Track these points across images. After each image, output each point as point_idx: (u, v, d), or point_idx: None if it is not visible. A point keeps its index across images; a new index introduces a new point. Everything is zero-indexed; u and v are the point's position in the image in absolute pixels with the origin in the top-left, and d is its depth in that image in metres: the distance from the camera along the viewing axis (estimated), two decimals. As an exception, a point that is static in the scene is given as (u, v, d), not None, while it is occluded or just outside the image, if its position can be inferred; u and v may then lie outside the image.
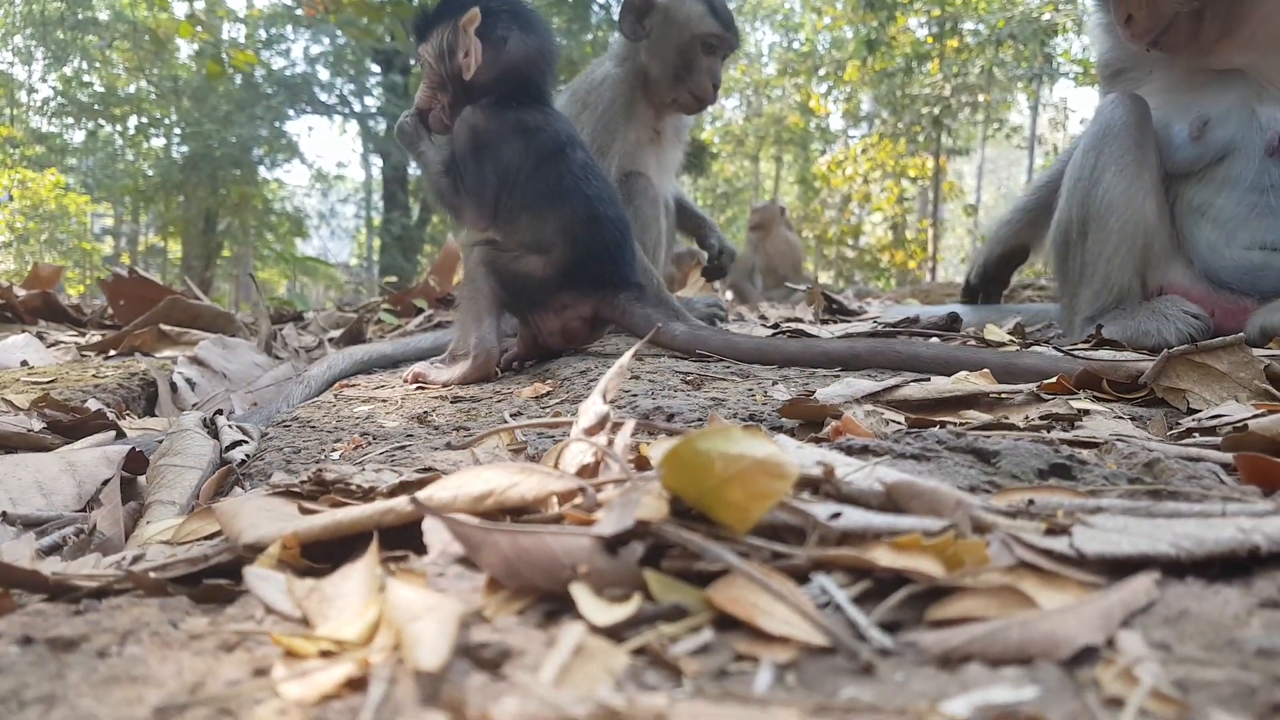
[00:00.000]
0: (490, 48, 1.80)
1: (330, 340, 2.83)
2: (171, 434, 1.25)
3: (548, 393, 1.48)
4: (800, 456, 0.63)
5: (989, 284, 2.43)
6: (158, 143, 14.69)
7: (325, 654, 0.51)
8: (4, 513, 1.03)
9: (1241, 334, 1.19)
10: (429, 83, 1.89)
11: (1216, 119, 1.81)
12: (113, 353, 2.42)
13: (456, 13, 1.80)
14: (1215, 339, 1.17)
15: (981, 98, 13.50)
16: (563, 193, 1.74)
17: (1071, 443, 0.87)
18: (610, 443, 0.70)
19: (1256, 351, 1.18)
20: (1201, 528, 0.55)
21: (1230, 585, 0.51)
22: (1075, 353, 1.47)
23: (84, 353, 2.44)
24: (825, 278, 15.09)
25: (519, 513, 0.66)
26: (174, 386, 1.96)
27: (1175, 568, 0.53)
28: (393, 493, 0.79)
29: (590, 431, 0.72)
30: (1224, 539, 0.53)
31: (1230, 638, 0.45)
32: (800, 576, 0.53)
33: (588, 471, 0.68)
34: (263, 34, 13.96)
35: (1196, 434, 0.98)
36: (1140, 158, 1.81)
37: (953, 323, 2.10)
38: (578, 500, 0.65)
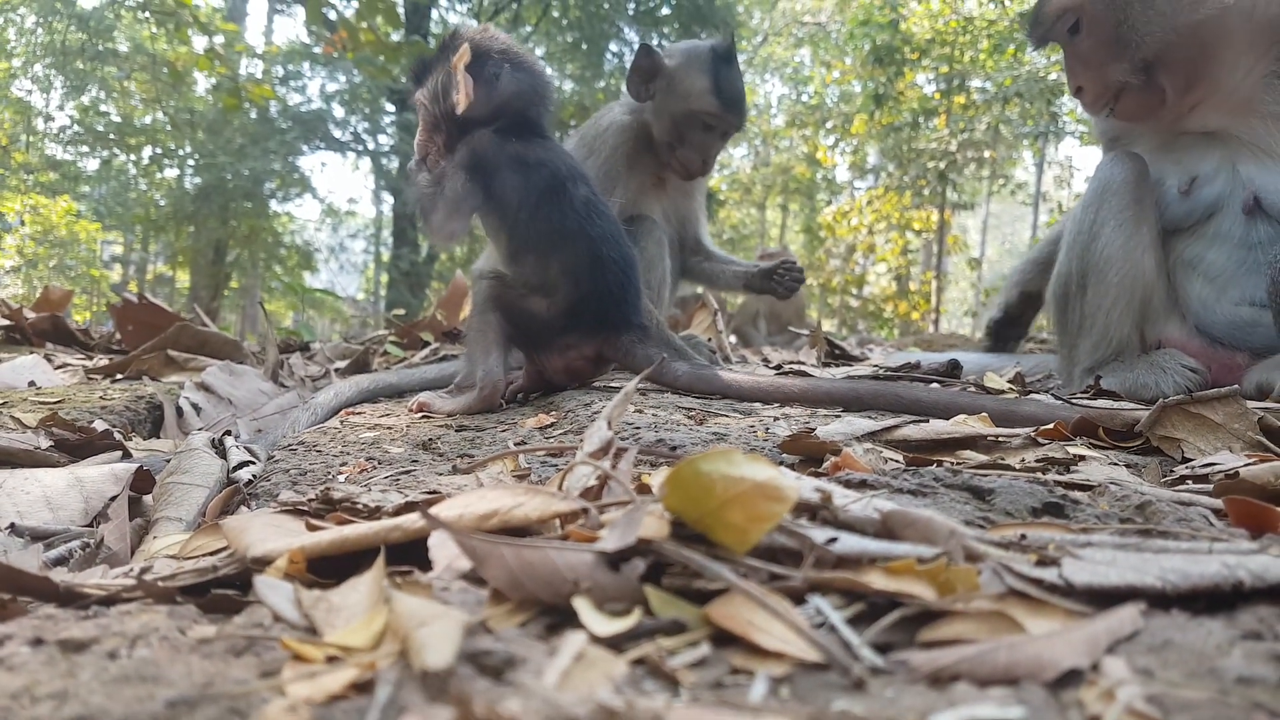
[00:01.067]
0: (482, 85, 1.84)
1: (336, 370, 2.85)
2: (180, 453, 1.27)
3: (552, 424, 1.50)
4: (800, 484, 0.65)
5: (1012, 324, 2.49)
6: (171, 173, 14.86)
7: (332, 659, 0.52)
8: (12, 525, 1.04)
9: (1236, 386, 1.21)
10: (425, 126, 1.93)
11: (1203, 177, 1.86)
12: (120, 376, 2.44)
13: (450, 55, 1.85)
14: (1210, 390, 1.19)
15: (987, 154, 13.66)
16: (566, 233, 1.76)
17: (1066, 484, 0.89)
18: (614, 467, 0.72)
19: (1250, 404, 1.20)
20: (1188, 563, 0.57)
21: (1214, 618, 0.53)
22: (1074, 402, 1.49)
23: (91, 375, 2.46)
24: (829, 326, 15.14)
25: (523, 532, 0.67)
26: (180, 411, 1.97)
27: (1161, 600, 0.54)
28: (398, 512, 0.81)
29: (595, 456, 0.74)
30: (1209, 573, 0.55)
31: (1212, 666, 0.47)
32: (797, 597, 0.54)
33: (591, 494, 0.70)
34: (280, 70, 14.18)
35: (1190, 481, 1.00)
36: (1138, 214, 1.85)
37: (953, 370, 2.12)
38: (581, 521, 0.66)
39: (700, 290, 3.03)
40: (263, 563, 0.69)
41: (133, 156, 15.10)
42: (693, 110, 2.36)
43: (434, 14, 13.70)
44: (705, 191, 2.77)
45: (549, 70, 1.99)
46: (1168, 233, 1.89)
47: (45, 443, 1.47)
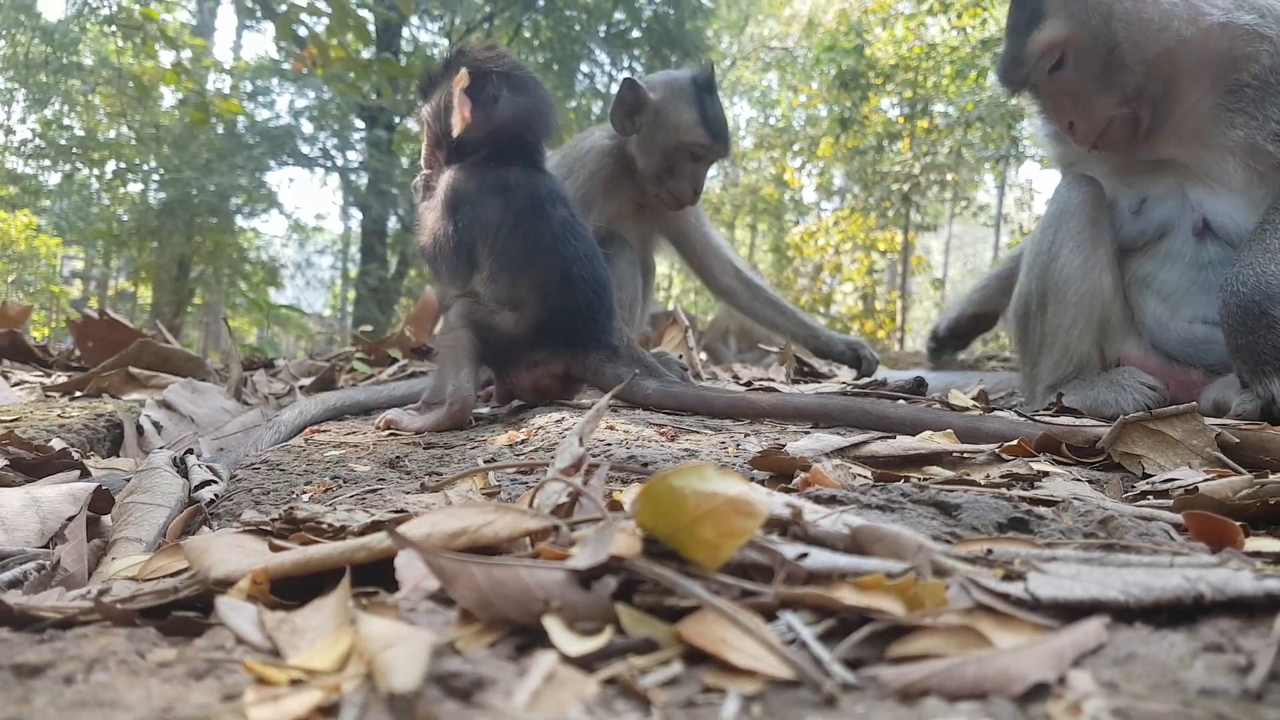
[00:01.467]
0: (480, 107, 1.84)
1: (301, 388, 2.81)
2: (140, 472, 1.24)
3: (522, 440, 1.49)
4: (771, 500, 0.65)
5: (956, 339, 2.52)
6: (135, 188, 14.67)
7: (296, 682, 0.51)
8: (-35, 546, 1.01)
9: (1195, 404, 1.23)
10: (428, 142, 1.95)
11: (1154, 198, 1.90)
12: (79, 394, 2.40)
13: (453, 73, 1.86)
14: (1169, 407, 1.21)
15: (950, 176, 13.90)
16: (538, 251, 1.77)
17: (1030, 500, 0.90)
18: (586, 483, 0.71)
19: (1208, 420, 1.22)
20: (1150, 576, 0.58)
21: (1176, 630, 0.53)
22: (1036, 419, 1.51)
23: (49, 393, 2.41)
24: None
25: (493, 551, 0.67)
26: (140, 429, 1.94)
27: (1125, 613, 0.55)
28: (364, 531, 0.80)
29: (566, 472, 0.74)
30: (1171, 587, 0.56)
31: (1175, 678, 0.48)
32: (768, 613, 0.54)
33: (563, 511, 0.70)
34: (248, 85, 14.09)
35: (1150, 496, 1.02)
36: (1095, 235, 1.89)
37: (919, 387, 2.15)
38: (552, 538, 0.66)
39: (671, 307, 3.04)
40: (225, 584, 0.67)
41: (96, 171, 14.89)
42: (682, 142, 2.37)
43: (405, 31, 13.70)
44: (705, 216, 2.74)
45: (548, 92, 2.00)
46: (1123, 252, 1.93)
47: (1, 462, 1.43)
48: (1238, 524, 0.80)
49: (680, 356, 2.72)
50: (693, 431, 1.47)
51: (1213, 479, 0.99)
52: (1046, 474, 1.08)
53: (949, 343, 2.55)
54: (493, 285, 1.79)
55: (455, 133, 1.84)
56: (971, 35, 12.60)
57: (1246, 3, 1.79)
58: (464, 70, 1.83)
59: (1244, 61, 1.77)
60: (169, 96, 13.33)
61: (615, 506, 0.74)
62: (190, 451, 1.47)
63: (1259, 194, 1.78)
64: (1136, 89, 1.86)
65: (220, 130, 12.31)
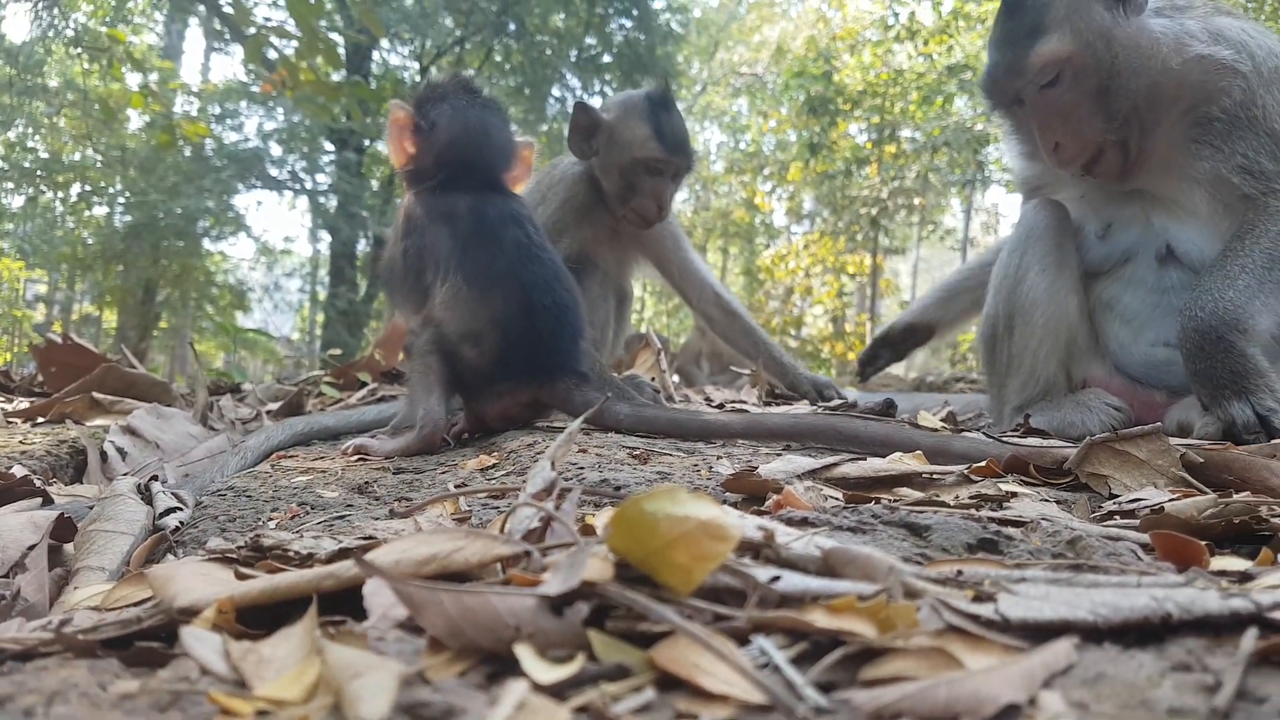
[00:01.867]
0: (422, 136, 1.86)
1: (269, 413, 2.78)
2: (104, 499, 1.22)
3: (493, 465, 1.48)
4: (743, 523, 0.65)
5: (886, 346, 2.49)
6: (100, 211, 14.49)
7: (262, 713, 0.51)
8: (-80, 577, 0.99)
9: (1159, 424, 1.25)
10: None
11: (1119, 224, 1.93)
12: (41, 419, 2.35)
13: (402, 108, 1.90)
14: (1135, 428, 1.23)
15: (917, 201, 14.11)
16: (493, 279, 1.75)
17: (999, 521, 0.91)
18: (558, 508, 0.71)
19: (1173, 441, 1.24)
20: (1119, 596, 0.58)
21: (1145, 650, 0.54)
22: (1004, 440, 1.52)
23: (10, 419, 2.36)
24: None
25: (464, 577, 0.66)
26: (104, 455, 1.90)
27: (1094, 633, 0.56)
28: (332, 559, 0.79)
29: (538, 497, 0.73)
30: (1139, 607, 0.56)
31: (1144, 698, 0.48)
32: (741, 637, 0.54)
33: (534, 536, 0.69)
34: (216, 108, 13.99)
35: (1117, 516, 1.03)
36: (1061, 258, 1.92)
37: (888, 408, 2.17)
38: (523, 564, 0.65)
39: (644, 330, 3.04)
40: (190, 613, 0.66)
41: (60, 194, 14.69)
42: (637, 158, 2.37)
43: (375, 55, 13.71)
44: (685, 239, 2.71)
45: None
46: (1089, 276, 1.96)
47: (-41, 490, 1.40)
48: (1203, 543, 0.81)
49: (653, 379, 2.72)
50: (665, 454, 1.47)
51: (1178, 499, 1.01)
52: (1015, 495, 1.09)
53: (882, 352, 2.52)
54: (451, 315, 1.78)
55: (397, 166, 1.87)
56: (938, 62, 12.83)
57: (1224, 38, 1.82)
58: (398, 110, 1.86)
59: (1217, 95, 1.79)
60: (136, 119, 13.21)
61: (587, 531, 0.74)
62: (155, 478, 1.44)
63: (1224, 224, 1.81)
64: (1125, 116, 1.85)
65: (187, 153, 12.21)
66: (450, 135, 1.86)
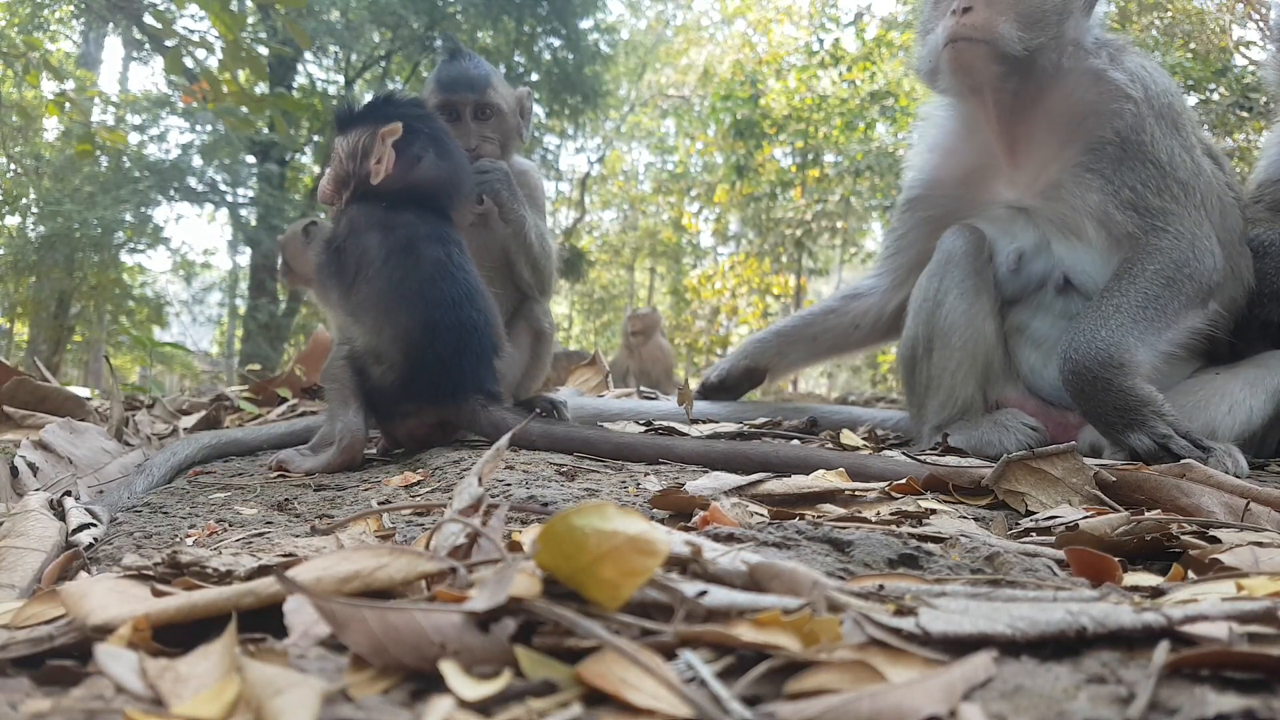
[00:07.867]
0: (404, 161, 1.82)
1: (186, 429, 2.69)
2: (14, 515, 1.17)
3: (418, 482, 1.46)
4: (671, 539, 0.65)
5: (726, 390, 2.48)
6: (12, 221, 13.85)
7: (177, 735, 0.49)
8: None
9: (1074, 443, 1.29)
10: (334, 177, 1.91)
11: (1029, 254, 1.99)
12: (-59, 434, 2.23)
13: (379, 120, 1.83)
14: (1050, 447, 1.27)
15: (840, 224, 14.43)
16: (401, 297, 1.74)
17: (919, 537, 0.93)
18: (485, 524, 0.70)
19: (1087, 460, 1.29)
20: (1035, 611, 0.60)
21: (1061, 663, 0.56)
22: (923, 458, 1.56)
23: (-94, 434, 2.24)
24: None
25: (387, 595, 0.65)
26: (15, 470, 1.82)
27: (1012, 647, 0.57)
28: (251, 576, 0.77)
29: (465, 513, 0.73)
30: (1055, 621, 0.58)
31: (1060, 710, 0.50)
32: (668, 652, 0.55)
33: (460, 553, 0.68)
34: (134, 118, 13.54)
35: (1034, 533, 1.06)
36: (978, 284, 1.98)
37: (811, 426, 2.20)
38: (449, 581, 0.64)
39: (594, 351, 3.00)
40: (104, 631, 0.64)
41: (-30, 204, 14.00)
42: (432, 108, 2.20)
43: (300, 67, 13.46)
44: (524, 220, 2.26)
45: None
46: (1005, 302, 2.03)
47: None
48: (1117, 560, 0.85)
49: (583, 395, 2.71)
50: (593, 470, 1.47)
51: (1092, 516, 1.04)
52: (934, 512, 1.12)
53: (718, 394, 2.53)
54: (359, 330, 1.77)
55: (374, 180, 1.82)
56: (860, 88, 13.15)
57: (1120, 63, 1.91)
58: (398, 124, 1.81)
59: (1109, 117, 1.87)
60: (51, 128, 12.71)
61: (515, 547, 0.74)
62: (68, 494, 1.39)
63: (1114, 257, 1.89)
64: (1026, 66, 1.86)
65: (105, 163, 11.78)
66: (432, 172, 1.86)
